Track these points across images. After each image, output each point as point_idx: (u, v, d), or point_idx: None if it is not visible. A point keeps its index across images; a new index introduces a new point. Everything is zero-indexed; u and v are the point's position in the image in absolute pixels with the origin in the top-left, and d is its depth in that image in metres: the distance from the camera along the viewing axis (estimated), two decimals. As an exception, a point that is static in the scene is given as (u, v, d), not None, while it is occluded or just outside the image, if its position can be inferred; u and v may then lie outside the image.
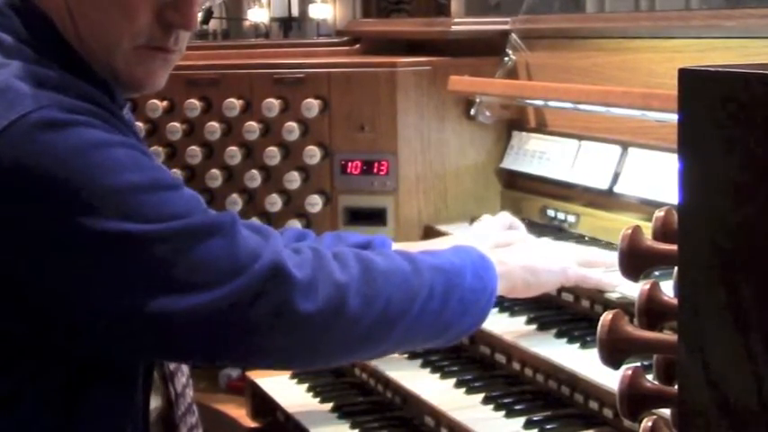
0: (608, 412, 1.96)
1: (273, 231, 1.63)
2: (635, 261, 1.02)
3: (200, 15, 1.69)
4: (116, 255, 1.42)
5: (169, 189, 1.50)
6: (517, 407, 2.07)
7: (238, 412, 2.66)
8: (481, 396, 2.14)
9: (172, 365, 1.85)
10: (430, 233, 2.87)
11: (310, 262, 1.59)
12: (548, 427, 1.98)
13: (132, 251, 1.42)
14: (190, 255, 1.46)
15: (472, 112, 2.90)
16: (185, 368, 1.91)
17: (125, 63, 1.59)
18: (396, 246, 2.08)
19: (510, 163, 2.92)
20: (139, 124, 2.91)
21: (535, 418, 2.01)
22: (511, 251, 2.04)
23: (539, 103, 2.77)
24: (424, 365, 2.35)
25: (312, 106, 2.86)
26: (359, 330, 1.64)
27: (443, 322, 1.79)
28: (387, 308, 1.66)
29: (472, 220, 2.87)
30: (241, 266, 1.49)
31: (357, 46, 3.31)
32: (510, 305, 2.39)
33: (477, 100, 2.89)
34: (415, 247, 2.06)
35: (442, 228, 2.85)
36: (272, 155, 2.89)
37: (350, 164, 2.88)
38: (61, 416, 1.52)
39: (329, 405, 2.37)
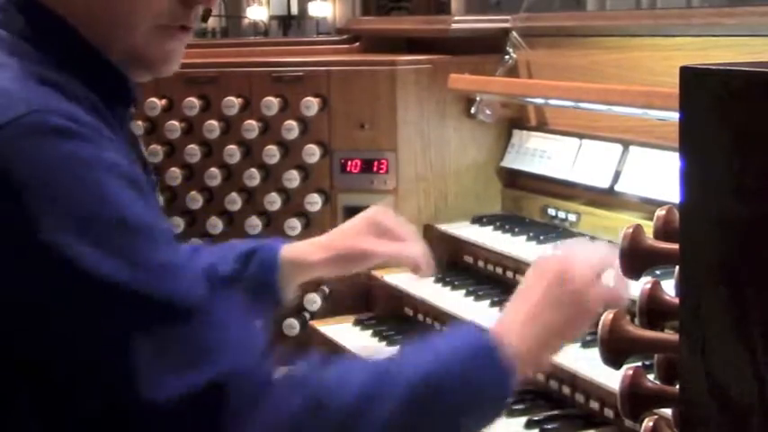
0: (609, 412, 1.95)
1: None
2: (636, 260, 1.02)
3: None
4: (72, 288, 1.27)
5: (152, 234, 1.33)
6: (518, 407, 2.06)
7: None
8: (481, 396, 2.13)
9: None
10: (430, 232, 2.86)
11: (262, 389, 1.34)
12: (548, 427, 1.97)
13: (92, 293, 1.27)
14: (145, 329, 1.28)
15: (472, 110, 2.90)
16: None
17: (146, 44, 1.49)
18: (286, 246, 1.99)
19: (510, 161, 2.91)
20: (138, 123, 2.90)
21: (536, 418, 2.00)
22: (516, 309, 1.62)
23: (539, 101, 2.77)
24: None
25: (311, 105, 2.85)
26: None
27: None
28: None
29: (473, 219, 2.87)
30: (204, 359, 1.29)
31: (357, 44, 3.30)
32: (510, 304, 2.39)
33: (478, 98, 2.88)
34: (316, 244, 1.99)
35: (443, 227, 2.84)
36: (272, 153, 2.88)
37: (349, 162, 2.87)
38: None
39: (329, 405, 2.35)
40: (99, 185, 1.30)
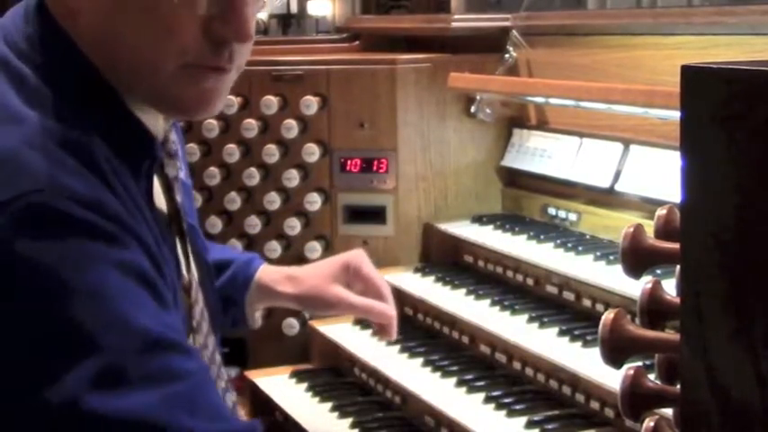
0: (609, 412, 1.95)
1: None
2: (637, 259, 1.01)
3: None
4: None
5: (161, 347, 1.28)
6: (518, 407, 2.05)
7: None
8: (482, 396, 2.12)
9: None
10: (430, 231, 2.86)
11: None
12: (549, 427, 1.97)
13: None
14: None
15: (473, 109, 2.89)
16: (211, 343, 1.70)
17: (172, 85, 1.39)
18: (264, 268, 1.98)
19: (511, 161, 2.91)
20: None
21: (536, 418, 1.99)
22: None
23: (540, 100, 2.76)
24: (424, 365, 2.34)
25: (311, 103, 2.85)
26: None
27: None
28: None
29: (473, 218, 2.86)
30: None
31: (356, 43, 3.30)
32: (510, 304, 2.38)
33: (478, 97, 2.88)
34: (289, 275, 1.98)
35: (443, 226, 2.84)
36: (271, 153, 2.88)
37: (349, 162, 2.86)
38: None
39: (329, 405, 2.35)
40: (98, 297, 1.23)
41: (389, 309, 1.97)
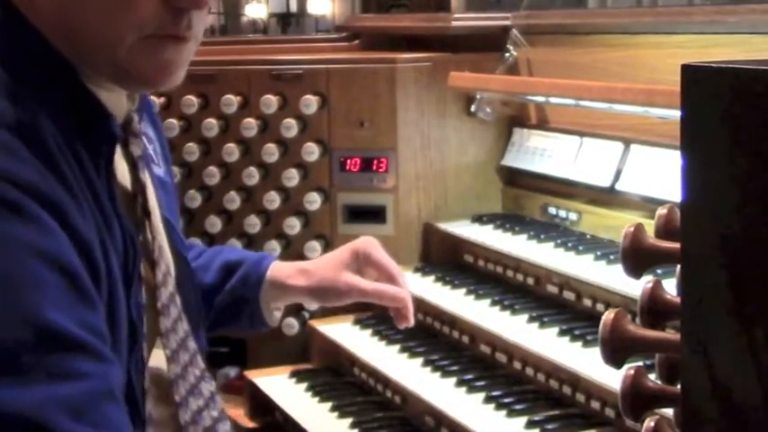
0: (610, 412, 1.94)
1: None
2: (637, 259, 1.01)
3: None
4: None
5: (71, 346, 1.25)
6: (518, 406, 2.05)
7: (236, 412, 2.64)
8: (482, 396, 2.12)
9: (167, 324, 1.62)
10: (430, 231, 2.86)
11: None
12: (549, 427, 1.96)
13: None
14: None
15: (473, 108, 2.89)
16: (181, 328, 1.67)
17: (132, 57, 1.39)
18: (275, 265, 1.97)
19: (511, 160, 2.90)
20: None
21: (536, 418, 1.99)
22: None
23: (540, 99, 2.76)
24: (424, 365, 2.34)
25: (311, 103, 2.84)
26: None
27: None
28: None
29: (473, 218, 2.86)
30: None
31: (356, 42, 3.29)
32: (510, 304, 2.38)
33: (478, 96, 2.87)
34: (299, 269, 1.96)
35: (442, 225, 2.84)
36: (271, 152, 2.87)
37: (349, 161, 2.86)
38: None
39: (328, 405, 2.35)
40: (9, 282, 1.21)
41: (402, 291, 1.95)
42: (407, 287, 1.96)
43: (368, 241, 2.01)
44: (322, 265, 1.97)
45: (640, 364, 1.02)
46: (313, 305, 1.95)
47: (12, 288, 1.22)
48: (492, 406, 2.07)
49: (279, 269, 1.96)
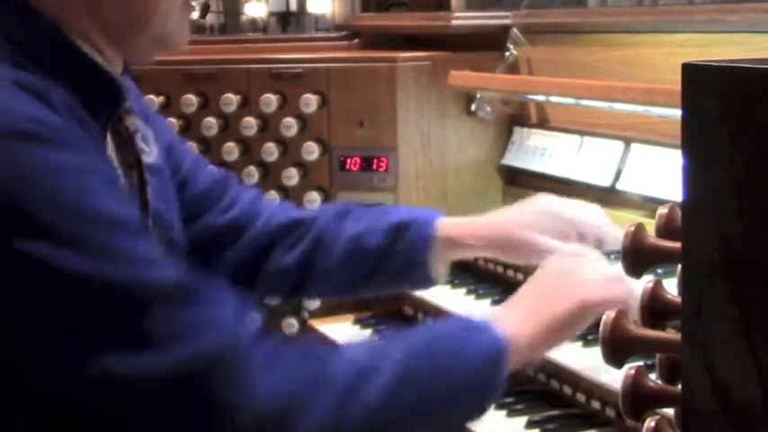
0: (610, 412, 1.94)
1: (248, 310, 1.41)
2: (638, 259, 1.01)
3: (196, 12, 1.65)
4: (44, 286, 1.25)
5: (133, 234, 1.33)
6: (518, 406, 2.05)
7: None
8: (481, 395, 2.11)
9: None
10: (430, 230, 2.85)
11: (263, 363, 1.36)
12: (549, 427, 1.96)
13: (65, 288, 1.25)
14: (124, 313, 1.28)
15: (473, 107, 2.88)
16: None
17: (174, 24, 1.51)
18: (446, 220, 1.92)
19: (511, 159, 2.90)
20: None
21: (536, 418, 1.99)
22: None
23: (540, 98, 2.75)
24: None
25: (310, 102, 2.84)
26: None
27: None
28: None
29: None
30: (188, 335, 1.29)
31: (356, 41, 3.29)
32: (511, 303, 2.37)
33: (478, 95, 2.87)
34: (476, 225, 1.91)
35: (443, 225, 2.83)
36: (270, 151, 2.87)
37: (349, 160, 2.86)
38: None
39: (328, 404, 2.34)
40: (63, 185, 1.27)
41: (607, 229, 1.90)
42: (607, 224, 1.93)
43: (553, 201, 1.96)
44: (504, 223, 1.91)
45: (641, 363, 1.02)
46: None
47: (54, 197, 1.26)
48: (492, 406, 2.07)
49: (451, 226, 1.90)
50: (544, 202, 1.96)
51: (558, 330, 1.60)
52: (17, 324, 1.26)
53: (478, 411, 1.57)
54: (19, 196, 1.25)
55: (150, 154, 1.65)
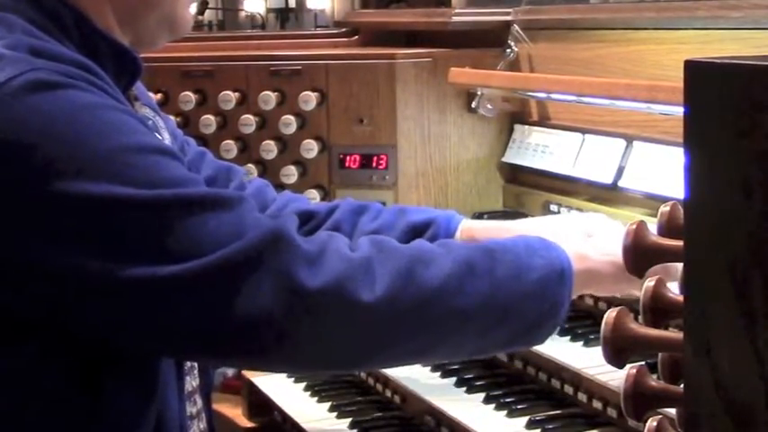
0: (612, 412, 1.93)
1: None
2: (640, 257, 1.01)
3: (194, 6, 1.70)
4: (98, 219, 1.35)
5: (163, 155, 1.43)
6: (519, 406, 2.04)
7: (234, 412, 2.63)
8: (482, 395, 2.11)
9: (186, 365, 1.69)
10: (430, 228, 2.84)
11: (319, 238, 1.47)
12: (550, 426, 1.95)
13: (118, 216, 1.35)
14: (179, 225, 1.36)
15: (473, 104, 2.87)
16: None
17: (182, 9, 1.64)
18: (470, 222, 1.92)
19: (512, 157, 2.89)
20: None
21: (537, 418, 1.98)
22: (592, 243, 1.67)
23: (541, 95, 2.74)
24: (424, 364, 2.32)
25: (309, 99, 2.83)
26: (386, 315, 1.41)
27: (497, 303, 1.50)
28: (414, 291, 1.43)
29: (473, 214, 2.84)
30: (235, 235, 1.37)
31: (355, 37, 3.28)
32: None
33: (479, 92, 2.86)
34: (497, 228, 1.91)
35: (443, 223, 2.82)
36: (269, 149, 2.86)
37: (348, 158, 2.85)
38: (87, 395, 1.44)
39: (327, 404, 2.34)
40: (99, 121, 1.38)
41: None
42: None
43: (592, 220, 1.89)
44: (527, 225, 1.88)
45: (643, 363, 1.02)
46: None
47: (92, 135, 1.37)
48: (492, 405, 2.06)
49: (472, 228, 1.90)
50: (578, 219, 1.93)
51: (603, 285, 1.66)
52: (69, 251, 1.35)
53: (538, 329, 1.57)
54: (50, 140, 1.35)
55: (163, 140, 1.67)
